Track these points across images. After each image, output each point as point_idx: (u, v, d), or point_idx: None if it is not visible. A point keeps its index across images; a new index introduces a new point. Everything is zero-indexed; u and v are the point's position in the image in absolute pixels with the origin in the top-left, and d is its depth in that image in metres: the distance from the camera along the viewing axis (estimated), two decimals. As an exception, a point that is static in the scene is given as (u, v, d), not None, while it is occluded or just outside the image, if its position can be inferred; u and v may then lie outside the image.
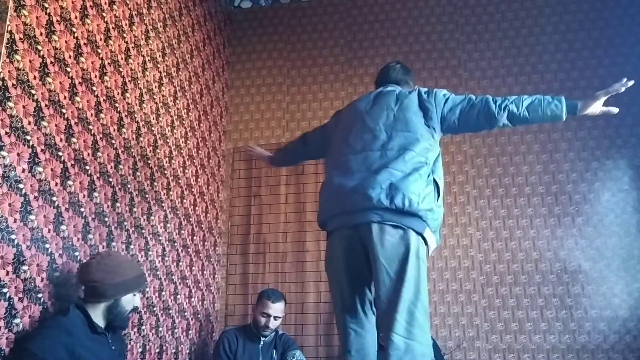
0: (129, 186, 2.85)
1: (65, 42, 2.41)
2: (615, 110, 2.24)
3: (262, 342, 3.19)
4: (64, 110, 2.35)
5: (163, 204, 3.23)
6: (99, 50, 2.68)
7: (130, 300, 2.16)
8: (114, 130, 2.76)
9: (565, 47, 4.04)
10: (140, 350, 2.83)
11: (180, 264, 3.39)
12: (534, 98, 2.16)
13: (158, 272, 3.08)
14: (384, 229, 2.03)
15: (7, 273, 1.95)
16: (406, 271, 1.99)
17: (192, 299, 3.53)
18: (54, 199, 2.24)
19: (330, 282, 2.26)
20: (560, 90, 3.94)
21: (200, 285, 3.66)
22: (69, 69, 2.42)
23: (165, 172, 3.30)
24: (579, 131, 3.85)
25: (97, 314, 2.09)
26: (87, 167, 2.50)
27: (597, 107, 2.21)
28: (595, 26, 4.04)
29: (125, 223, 2.79)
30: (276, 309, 3.15)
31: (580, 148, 3.81)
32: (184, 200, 3.53)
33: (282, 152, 2.87)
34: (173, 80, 3.51)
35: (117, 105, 2.80)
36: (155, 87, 3.25)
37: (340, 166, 2.21)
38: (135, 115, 2.99)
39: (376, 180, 2.06)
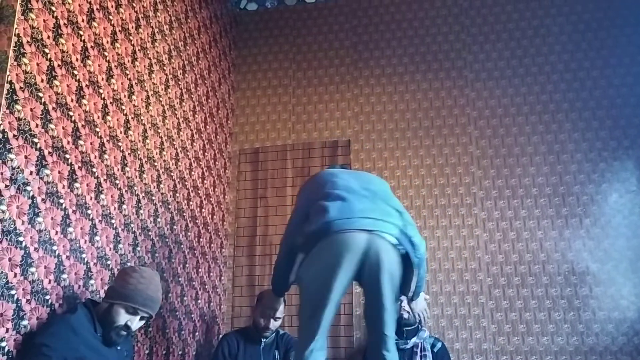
0: (135, 188, 2.86)
1: (73, 45, 2.42)
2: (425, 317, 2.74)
3: (263, 344, 3.17)
4: (71, 113, 2.37)
5: (169, 206, 3.23)
6: (106, 53, 2.69)
7: (123, 315, 2.07)
8: (121, 132, 2.77)
9: (572, 48, 4.02)
10: (147, 352, 2.84)
11: (187, 265, 3.40)
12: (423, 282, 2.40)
13: (165, 274, 3.09)
14: (393, 247, 2.21)
15: (15, 275, 1.96)
16: (395, 285, 2.25)
17: (199, 301, 3.53)
18: (62, 201, 2.25)
19: (321, 283, 2.19)
20: (567, 90, 3.93)
21: (206, 287, 3.66)
22: (76, 72, 2.43)
23: (172, 174, 3.31)
24: (586, 132, 3.83)
25: (99, 316, 2.10)
26: (94, 170, 2.51)
27: (420, 307, 2.66)
28: (601, 26, 4.02)
29: (132, 225, 2.80)
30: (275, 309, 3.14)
31: (588, 149, 3.79)
32: (191, 202, 3.53)
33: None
34: (179, 83, 3.52)
35: (123, 107, 2.81)
36: (162, 89, 3.27)
37: (347, 189, 2.34)
38: (142, 118, 3.00)
39: (390, 208, 2.29)
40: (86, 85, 2.50)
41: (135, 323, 2.12)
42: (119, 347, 2.13)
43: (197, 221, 3.60)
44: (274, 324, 3.13)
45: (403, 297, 3.30)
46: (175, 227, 3.28)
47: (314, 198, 2.37)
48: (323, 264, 2.20)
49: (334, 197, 2.27)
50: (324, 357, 2.22)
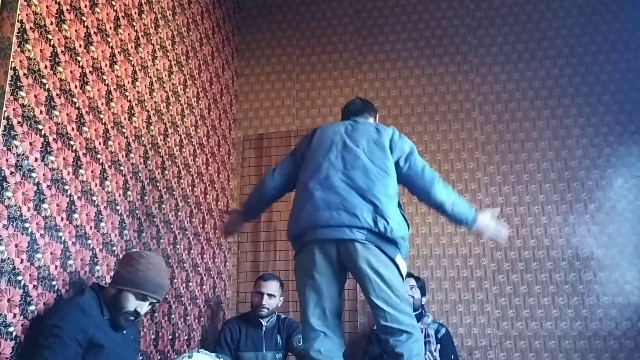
0: (140, 175, 2.87)
1: (76, 31, 2.41)
2: (502, 236, 2.43)
3: (264, 328, 3.20)
4: (75, 100, 2.37)
5: (174, 192, 3.24)
6: (109, 39, 2.69)
7: (132, 301, 2.10)
8: (125, 119, 2.77)
9: (578, 32, 3.98)
10: (153, 337, 2.86)
11: (192, 251, 3.42)
12: (462, 207, 2.34)
13: (170, 260, 3.11)
14: (367, 246, 2.18)
15: (22, 261, 1.97)
16: (384, 278, 2.17)
17: (204, 287, 3.56)
18: (67, 187, 2.26)
19: (301, 286, 2.32)
20: (573, 75, 3.90)
21: (211, 272, 3.69)
22: (79, 58, 2.42)
23: (176, 160, 3.31)
24: (592, 117, 3.80)
25: (107, 300, 2.12)
26: (99, 156, 2.51)
27: (486, 232, 2.39)
28: (608, 10, 3.98)
29: (137, 211, 2.81)
30: (267, 286, 3.18)
31: (593, 134, 3.77)
32: (195, 189, 3.54)
33: (249, 201, 2.70)
34: (183, 69, 3.51)
35: (127, 94, 2.81)
36: (165, 75, 3.26)
37: (322, 181, 2.28)
38: (146, 104, 3.00)
39: (362, 201, 2.20)
40: (90, 72, 2.50)
41: (144, 308, 2.15)
42: (125, 331, 2.16)
43: (201, 207, 3.61)
44: (267, 302, 3.16)
45: (412, 282, 3.31)
46: (180, 213, 3.29)
47: (304, 157, 2.48)
48: (303, 274, 2.31)
49: (309, 192, 2.29)
50: (338, 351, 2.27)
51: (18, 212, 1.97)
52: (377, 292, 2.16)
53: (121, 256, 2.57)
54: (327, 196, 2.23)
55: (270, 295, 3.18)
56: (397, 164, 2.33)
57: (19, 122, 2.01)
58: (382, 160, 2.30)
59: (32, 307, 2.00)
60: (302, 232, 2.30)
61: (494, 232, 2.37)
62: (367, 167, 2.27)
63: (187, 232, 3.37)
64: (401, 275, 2.24)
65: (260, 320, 3.19)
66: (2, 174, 1.92)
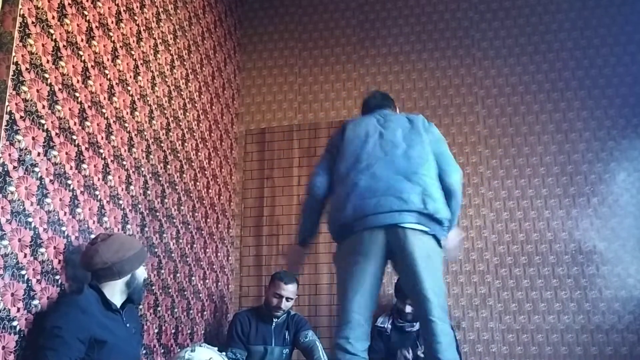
0: (142, 169, 2.87)
1: (77, 25, 2.41)
2: (454, 255, 2.58)
3: (274, 323, 3.22)
4: (77, 94, 2.36)
5: (177, 187, 3.24)
6: (111, 34, 2.68)
7: (142, 272, 2.25)
8: (127, 113, 2.77)
9: (581, 25, 3.97)
10: (156, 331, 2.87)
11: (195, 246, 3.42)
12: (457, 212, 2.40)
13: (173, 254, 3.11)
14: (417, 230, 2.20)
15: (25, 255, 1.98)
16: (432, 264, 2.21)
17: (207, 281, 3.56)
18: (69, 182, 2.26)
19: (343, 272, 2.30)
20: (576, 68, 3.88)
21: (214, 267, 3.69)
22: (81, 53, 2.42)
23: (178, 155, 3.31)
24: (595, 110, 3.79)
25: (115, 292, 2.14)
26: (101, 151, 2.51)
27: (450, 242, 2.43)
28: (612, 3, 3.96)
29: (140, 206, 2.81)
30: (288, 290, 3.18)
31: (596, 127, 3.76)
32: (197, 183, 3.54)
33: (303, 225, 2.58)
34: (185, 63, 3.50)
35: (129, 88, 2.81)
36: (167, 70, 3.25)
37: (364, 170, 2.29)
38: (148, 99, 3.00)
39: (409, 184, 2.22)
40: (92, 66, 2.49)
41: (145, 271, 2.32)
42: (127, 325, 2.16)
43: (204, 202, 3.61)
44: (285, 305, 3.18)
45: None
46: (182, 207, 3.29)
47: (336, 158, 2.47)
48: (348, 258, 2.28)
49: (351, 182, 2.29)
50: (363, 348, 2.23)
51: (21, 207, 1.98)
52: (426, 282, 2.15)
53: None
54: (372, 184, 2.25)
55: (288, 298, 3.19)
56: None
57: (21, 117, 2.01)
58: (421, 146, 2.34)
59: (35, 302, 2.01)
60: (350, 222, 2.27)
61: (455, 246, 2.48)
62: (407, 153, 2.31)
63: (190, 227, 3.37)
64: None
65: (272, 316, 3.22)
66: (5, 169, 1.93)
